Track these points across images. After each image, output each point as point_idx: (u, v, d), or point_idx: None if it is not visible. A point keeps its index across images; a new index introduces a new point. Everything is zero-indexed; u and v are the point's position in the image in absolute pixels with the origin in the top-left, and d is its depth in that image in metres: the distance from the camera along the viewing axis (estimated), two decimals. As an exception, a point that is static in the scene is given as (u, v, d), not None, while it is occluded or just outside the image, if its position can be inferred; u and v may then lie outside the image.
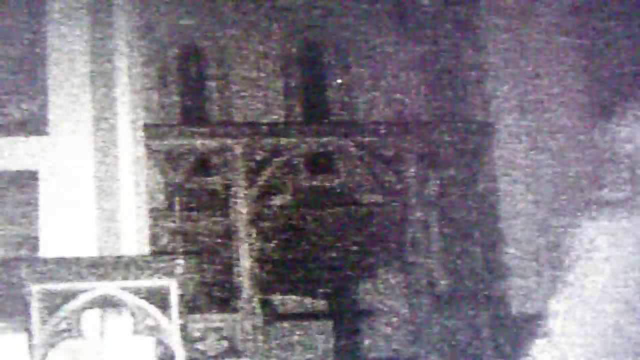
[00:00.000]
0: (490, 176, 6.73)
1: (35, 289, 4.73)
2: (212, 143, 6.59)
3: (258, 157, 6.66)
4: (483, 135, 6.81)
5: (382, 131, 6.90)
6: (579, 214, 6.35)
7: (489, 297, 6.55)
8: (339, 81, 7.64)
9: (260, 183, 6.62)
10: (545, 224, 6.57)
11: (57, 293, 4.77)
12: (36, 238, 5.60)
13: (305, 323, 6.81)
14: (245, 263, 6.42)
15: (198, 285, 6.33)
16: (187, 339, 4.88)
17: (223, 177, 6.59)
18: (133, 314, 4.88)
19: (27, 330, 4.74)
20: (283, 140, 6.73)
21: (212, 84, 7.53)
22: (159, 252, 6.10)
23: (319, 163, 6.94)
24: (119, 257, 5.45)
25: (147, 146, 6.27)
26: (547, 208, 6.62)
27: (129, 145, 5.92)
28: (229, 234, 6.53)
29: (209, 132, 6.66)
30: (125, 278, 4.85)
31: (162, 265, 4.94)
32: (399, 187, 6.78)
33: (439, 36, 7.42)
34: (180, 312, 4.89)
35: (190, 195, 6.60)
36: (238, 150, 6.59)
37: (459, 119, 7.10)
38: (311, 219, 7.13)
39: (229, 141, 6.61)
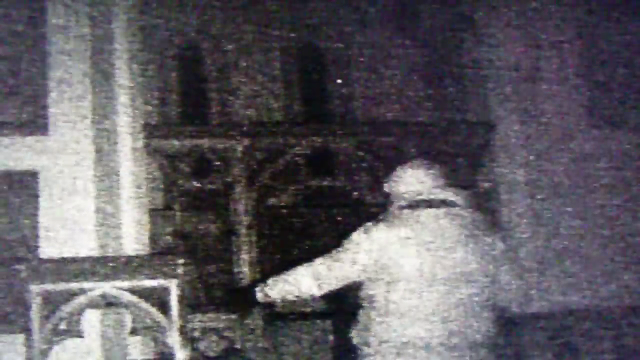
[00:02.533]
0: (490, 176, 6.74)
1: (35, 289, 4.73)
2: (212, 143, 6.59)
3: (258, 157, 6.66)
4: (483, 135, 6.81)
5: (382, 131, 6.90)
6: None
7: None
8: (339, 81, 7.64)
9: (261, 183, 6.62)
10: (546, 223, 6.57)
11: (57, 293, 4.77)
12: (36, 238, 5.60)
13: (306, 323, 6.80)
14: (245, 263, 6.42)
15: (198, 285, 6.33)
16: (187, 339, 4.87)
17: (223, 177, 6.59)
18: (133, 314, 4.88)
19: (27, 330, 4.73)
20: (283, 140, 6.73)
21: (212, 84, 7.54)
22: (159, 252, 6.10)
23: (319, 163, 6.95)
24: (119, 257, 5.45)
25: (147, 146, 6.27)
26: (547, 208, 6.62)
27: (129, 145, 5.92)
28: (229, 234, 6.53)
29: (209, 132, 6.66)
30: (125, 278, 4.84)
31: (162, 265, 4.93)
32: (399, 187, 6.77)
33: (439, 36, 7.42)
34: (180, 312, 4.88)
35: (190, 196, 6.60)
36: (238, 150, 6.59)
37: (459, 119, 7.10)
38: (311, 219, 7.13)
39: (229, 141, 6.60)
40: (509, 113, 6.74)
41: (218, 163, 6.59)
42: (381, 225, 3.25)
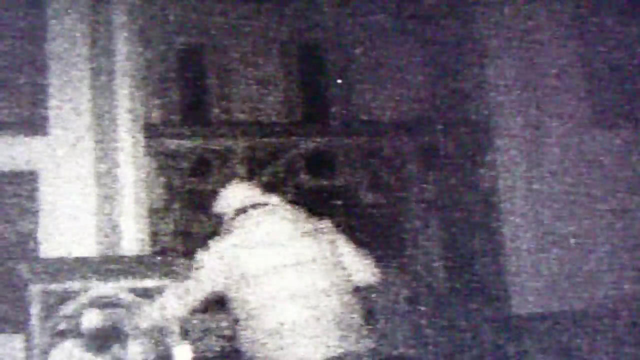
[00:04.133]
0: (490, 176, 6.73)
1: (35, 289, 4.73)
2: (212, 143, 6.59)
3: (258, 157, 6.66)
4: (483, 135, 6.81)
5: (382, 131, 6.90)
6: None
7: (489, 297, 6.55)
8: (339, 81, 7.63)
9: (260, 183, 6.61)
10: (546, 223, 6.57)
11: (57, 293, 4.77)
12: (36, 238, 5.60)
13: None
14: (245, 263, 6.41)
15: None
16: (187, 339, 4.87)
17: (223, 177, 6.59)
18: (133, 314, 4.87)
19: (27, 330, 4.73)
20: (283, 140, 6.73)
21: (212, 84, 7.53)
22: (159, 252, 6.10)
23: (319, 163, 6.94)
24: (119, 257, 5.45)
25: (147, 146, 6.27)
26: (547, 208, 6.62)
27: (129, 145, 5.92)
28: (228, 234, 6.51)
29: (209, 132, 6.66)
30: (125, 278, 4.84)
31: (162, 265, 4.93)
32: (399, 187, 6.78)
33: (439, 36, 7.42)
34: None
35: (191, 196, 6.60)
36: (238, 150, 6.59)
37: (459, 119, 7.09)
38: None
39: (229, 141, 6.60)
40: (509, 113, 6.74)
41: (218, 163, 6.59)
42: (218, 238, 3.66)
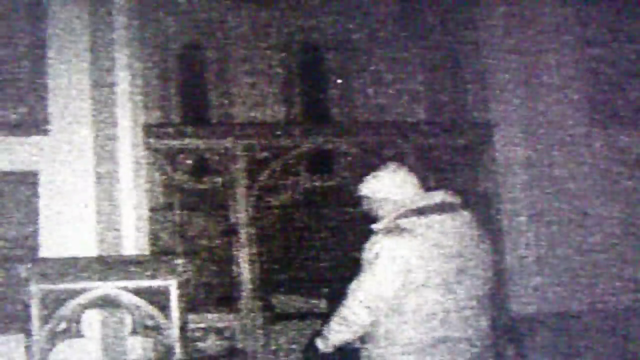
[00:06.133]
0: (490, 176, 6.74)
1: (35, 289, 4.73)
2: (212, 143, 6.59)
3: (258, 157, 6.66)
4: (483, 135, 6.81)
5: (382, 131, 6.90)
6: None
7: (489, 297, 6.55)
8: (339, 81, 7.64)
9: (260, 183, 6.62)
10: (546, 223, 6.58)
11: (57, 293, 4.77)
12: (36, 238, 5.60)
13: (306, 323, 6.81)
14: (245, 263, 6.42)
15: (198, 285, 6.33)
16: (187, 339, 4.87)
17: (223, 177, 6.59)
18: (133, 314, 4.88)
19: (27, 330, 4.73)
20: (283, 140, 6.73)
21: (212, 84, 7.54)
22: (159, 252, 6.10)
23: (319, 163, 6.94)
24: (119, 257, 5.45)
25: (147, 146, 6.27)
26: (547, 208, 6.62)
27: (129, 145, 5.92)
28: (228, 234, 6.53)
29: (209, 132, 6.66)
30: (125, 278, 4.84)
31: (162, 265, 4.93)
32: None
33: (439, 36, 7.42)
34: (180, 312, 4.89)
35: (190, 195, 6.60)
36: (238, 150, 6.59)
37: (459, 119, 7.10)
38: (311, 219, 7.13)
39: (229, 141, 6.61)
40: (509, 113, 6.74)
41: (218, 163, 6.59)
42: (404, 235, 3.26)
